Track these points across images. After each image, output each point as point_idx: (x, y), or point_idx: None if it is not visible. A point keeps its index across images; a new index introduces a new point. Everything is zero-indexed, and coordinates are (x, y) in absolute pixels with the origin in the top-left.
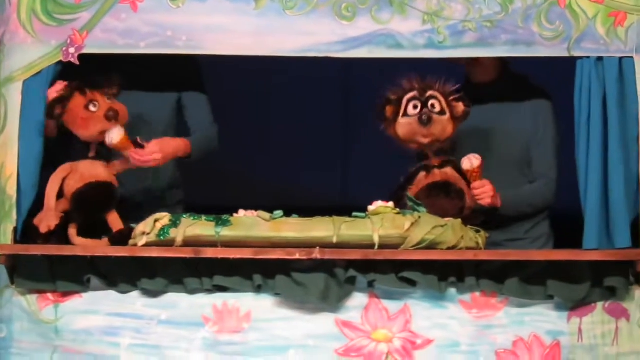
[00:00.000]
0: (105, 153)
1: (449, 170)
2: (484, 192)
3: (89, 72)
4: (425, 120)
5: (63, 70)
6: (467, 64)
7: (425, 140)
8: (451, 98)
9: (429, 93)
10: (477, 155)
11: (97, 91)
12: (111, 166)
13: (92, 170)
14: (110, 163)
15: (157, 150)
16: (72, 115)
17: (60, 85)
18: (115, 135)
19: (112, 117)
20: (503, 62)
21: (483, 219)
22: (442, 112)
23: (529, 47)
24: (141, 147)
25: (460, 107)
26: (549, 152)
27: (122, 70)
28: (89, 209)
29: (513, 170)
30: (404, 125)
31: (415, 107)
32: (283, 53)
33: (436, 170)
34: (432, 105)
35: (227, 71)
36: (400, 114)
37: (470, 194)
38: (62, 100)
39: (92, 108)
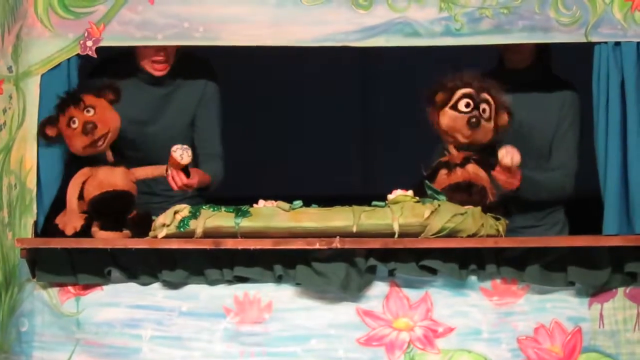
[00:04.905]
0: (123, 158)
1: (470, 168)
2: (512, 184)
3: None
4: (474, 123)
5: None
6: (505, 49)
7: (464, 141)
8: (500, 106)
9: (483, 96)
10: (517, 151)
11: (75, 107)
12: (131, 173)
13: (110, 178)
14: (131, 170)
15: (195, 181)
16: (64, 135)
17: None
18: (187, 157)
19: (89, 130)
20: (538, 50)
21: (504, 207)
22: (489, 119)
23: (546, 33)
24: (187, 173)
25: (504, 118)
26: (571, 145)
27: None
28: (106, 216)
29: (531, 158)
30: (450, 118)
31: (467, 105)
32: (300, 43)
33: (458, 170)
34: (484, 110)
35: (244, 61)
36: (449, 105)
37: (492, 189)
38: (52, 121)
39: (72, 125)
